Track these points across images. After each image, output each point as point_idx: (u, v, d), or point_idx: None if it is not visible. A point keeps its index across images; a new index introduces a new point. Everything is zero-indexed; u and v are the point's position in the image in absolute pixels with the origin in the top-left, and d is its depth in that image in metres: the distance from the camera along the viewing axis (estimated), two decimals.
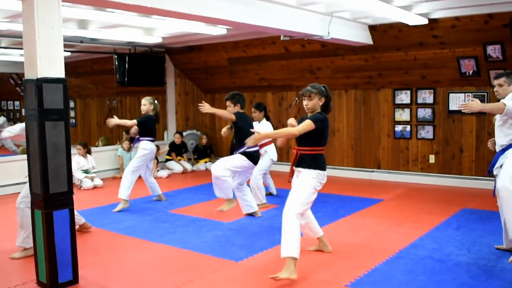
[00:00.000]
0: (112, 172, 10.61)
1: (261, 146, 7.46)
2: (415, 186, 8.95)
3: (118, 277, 4.67)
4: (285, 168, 9.55)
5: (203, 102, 6.30)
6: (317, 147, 4.66)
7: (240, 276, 4.66)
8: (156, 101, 7.75)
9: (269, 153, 7.60)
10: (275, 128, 7.54)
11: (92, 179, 9.40)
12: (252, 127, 6.03)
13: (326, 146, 4.80)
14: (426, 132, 9.13)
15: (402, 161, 9.48)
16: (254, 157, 6.42)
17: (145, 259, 5.21)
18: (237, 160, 6.34)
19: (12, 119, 14.89)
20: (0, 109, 14.01)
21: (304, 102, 4.73)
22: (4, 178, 8.78)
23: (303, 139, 4.64)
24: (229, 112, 6.39)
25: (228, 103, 6.49)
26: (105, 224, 6.60)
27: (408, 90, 9.26)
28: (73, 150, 8.40)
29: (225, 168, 6.26)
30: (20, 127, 5.11)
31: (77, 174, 9.18)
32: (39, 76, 4.19)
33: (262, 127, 7.33)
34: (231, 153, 6.58)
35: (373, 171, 9.79)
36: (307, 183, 4.62)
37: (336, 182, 9.37)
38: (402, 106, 9.35)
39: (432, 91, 8.99)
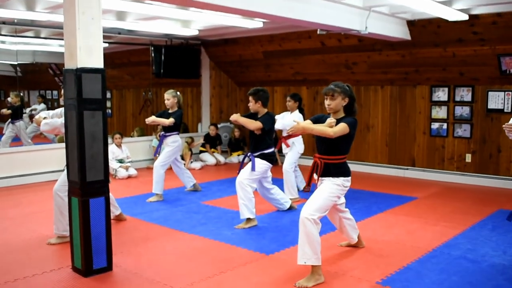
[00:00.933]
0: (147, 162, 10.73)
1: (288, 137, 7.38)
2: (450, 185, 8.81)
3: (151, 266, 4.73)
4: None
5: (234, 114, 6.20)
6: (343, 155, 4.50)
7: (271, 269, 4.67)
8: (178, 93, 7.75)
9: (297, 146, 7.48)
10: None
11: (126, 168, 9.54)
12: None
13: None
14: (463, 130, 8.96)
15: (438, 160, 9.34)
16: (272, 159, 6.22)
17: (177, 249, 5.27)
18: (257, 166, 6.06)
19: (51, 108, 15.11)
20: (42, 96, 14.22)
21: (326, 102, 4.46)
22: (41, 165, 8.98)
23: (330, 145, 4.42)
24: (252, 121, 6.03)
25: (250, 98, 6.18)
26: (139, 213, 6.70)
27: (445, 87, 9.10)
28: (109, 140, 8.52)
29: (249, 180, 6.01)
30: (61, 121, 5.15)
31: (112, 164, 9.32)
32: (79, 66, 4.26)
33: (293, 117, 7.21)
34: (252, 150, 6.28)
35: (407, 169, 9.67)
36: (330, 190, 4.41)
37: (369, 179, 9.31)
38: (439, 103, 9.20)
39: (470, 88, 8.82)
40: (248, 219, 6.02)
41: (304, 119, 7.28)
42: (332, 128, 4.30)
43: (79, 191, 4.38)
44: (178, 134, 7.66)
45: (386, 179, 9.36)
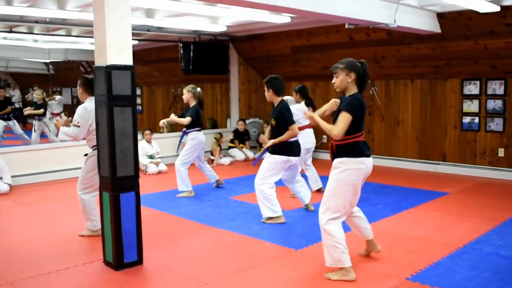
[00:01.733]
0: (176, 158, 10.79)
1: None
2: (482, 180, 8.67)
3: (180, 260, 4.78)
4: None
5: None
6: (352, 135, 4.14)
7: (299, 264, 4.68)
8: (195, 88, 7.65)
9: (305, 138, 6.98)
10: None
11: (157, 164, 9.64)
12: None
13: (367, 132, 4.44)
14: (496, 124, 8.80)
15: (469, 154, 9.20)
16: (289, 149, 5.89)
17: (206, 243, 5.31)
18: (271, 162, 5.95)
19: (75, 104, 15.38)
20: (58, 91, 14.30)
21: (332, 81, 4.34)
22: (72, 161, 9.14)
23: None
24: (288, 134, 5.82)
25: (265, 86, 6.05)
26: (168, 208, 6.77)
27: (477, 80, 8.95)
28: (139, 136, 8.63)
29: (262, 179, 5.96)
30: (76, 131, 5.20)
31: (142, 160, 9.43)
32: (108, 63, 4.33)
33: (294, 107, 6.82)
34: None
35: (438, 164, 9.55)
36: (337, 182, 4.18)
37: (399, 174, 9.23)
38: (471, 97, 9.05)
39: (503, 82, 8.65)
40: (270, 218, 6.00)
41: (314, 111, 7.03)
42: (336, 126, 4.13)
43: (110, 186, 4.46)
44: (199, 130, 7.57)
45: (416, 174, 9.26)
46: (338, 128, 4.09)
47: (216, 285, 4.19)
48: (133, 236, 4.59)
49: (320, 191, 7.34)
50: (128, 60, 4.47)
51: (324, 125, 4.20)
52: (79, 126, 5.17)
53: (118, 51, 4.38)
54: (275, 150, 5.90)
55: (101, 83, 4.41)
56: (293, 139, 5.95)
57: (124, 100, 4.44)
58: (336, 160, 4.23)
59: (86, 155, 5.41)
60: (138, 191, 4.61)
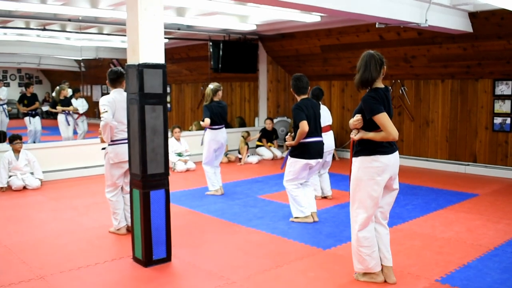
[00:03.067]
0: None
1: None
2: None
3: (208, 258, 4.82)
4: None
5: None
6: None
7: (328, 264, 4.67)
8: (209, 86, 7.47)
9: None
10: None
11: (185, 162, 9.71)
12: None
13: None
14: None
15: (500, 155, 9.05)
16: (303, 151, 5.79)
17: (234, 241, 5.34)
18: (290, 165, 5.95)
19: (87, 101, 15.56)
20: (78, 91, 14.47)
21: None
22: (97, 159, 9.25)
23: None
24: (298, 132, 5.75)
25: None
26: (197, 206, 6.82)
27: (509, 80, 8.79)
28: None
29: (287, 181, 6.03)
30: (106, 115, 5.20)
31: (171, 157, 9.51)
32: (141, 62, 4.38)
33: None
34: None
35: (468, 165, 9.42)
36: (357, 181, 4.04)
37: (429, 174, 9.13)
38: (503, 97, 8.90)
39: None
40: (297, 217, 6.01)
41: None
42: (384, 131, 3.91)
43: (140, 183, 4.51)
44: (214, 128, 7.38)
45: (446, 175, 9.15)
46: (388, 131, 3.90)
47: (244, 283, 4.21)
48: (162, 233, 4.64)
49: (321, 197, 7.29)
50: (160, 59, 4.52)
51: (375, 136, 3.96)
52: (107, 111, 5.22)
53: (150, 49, 4.44)
54: (293, 152, 5.90)
55: (133, 81, 4.47)
56: (310, 140, 5.81)
57: (155, 98, 4.49)
58: (353, 159, 4.13)
59: (103, 149, 5.51)
60: (168, 189, 4.66)
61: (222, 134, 7.48)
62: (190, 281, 4.30)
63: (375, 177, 3.97)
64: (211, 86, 7.46)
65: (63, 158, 8.89)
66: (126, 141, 4.92)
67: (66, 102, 11.61)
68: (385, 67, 4.05)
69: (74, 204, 6.95)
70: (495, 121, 9.04)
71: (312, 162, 5.87)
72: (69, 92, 12.04)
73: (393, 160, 4.05)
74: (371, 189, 3.98)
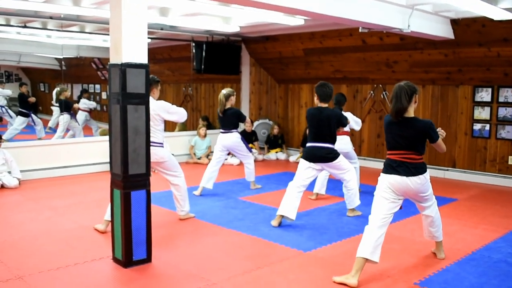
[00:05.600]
0: (186, 157, 10.86)
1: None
2: (492, 187, 8.64)
3: (189, 259, 4.80)
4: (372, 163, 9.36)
5: None
6: (388, 151, 4.57)
7: (308, 266, 4.69)
8: (224, 92, 7.80)
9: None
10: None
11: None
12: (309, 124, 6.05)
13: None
14: (507, 132, 8.76)
15: (479, 161, 9.17)
16: (307, 153, 6.08)
17: (215, 243, 5.33)
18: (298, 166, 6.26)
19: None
20: (86, 91, 14.71)
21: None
22: (85, 158, 9.22)
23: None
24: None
25: None
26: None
27: (489, 87, 8.91)
28: None
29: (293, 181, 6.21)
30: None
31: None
32: (123, 61, 4.35)
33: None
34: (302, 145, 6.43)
35: (447, 170, 9.52)
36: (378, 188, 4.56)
37: None
38: (482, 104, 9.02)
39: None
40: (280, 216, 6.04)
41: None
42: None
43: (121, 184, 4.48)
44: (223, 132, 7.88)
45: None
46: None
47: (224, 285, 4.21)
48: (142, 233, 4.61)
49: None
50: (143, 58, 4.49)
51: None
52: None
53: (133, 49, 4.41)
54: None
55: (115, 80, 4.43)
56: (308, 145, 6.09)
57: (138, 98, 4.46)
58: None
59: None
60: (149, 189, 4.64)
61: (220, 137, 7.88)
62: (170, 282, 4.28)
63: (383, 194, 4.51)
64: (224, 92, 7.71)
65: (42, 157, 8.78)
66: (156, 144, 5.54)
67: (66, 103, 11.78)
68: (416, 95, 4.42)
69: (52, 205, 6.87)
70: (474, 127, 9.15)
71: (311, 165, 6.03)
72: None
73: (394, 181, 4.51)
74: (378, 202, 4.52)
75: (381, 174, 4.51)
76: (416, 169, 4.39)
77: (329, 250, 5.13)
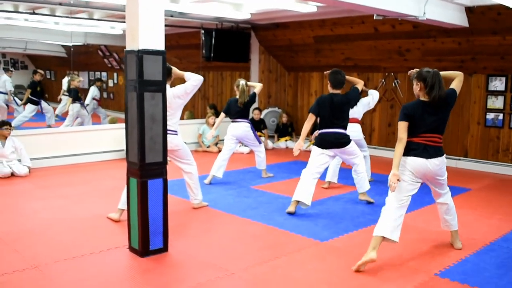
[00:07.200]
0: (195, 145, 10.80)
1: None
2: (505, 177, 8.56)
3: (205, 248, 4.76)
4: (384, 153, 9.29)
5: None
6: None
7: (326, 256, 4.65)
8: (239, 81, 7.80)
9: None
10: None
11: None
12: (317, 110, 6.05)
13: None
14: None
15: (492, 151, 9.08)
16: (319, 141, 6.09)
17: (230, 232, 5.30)
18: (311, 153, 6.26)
19: (99, 90, 15.46)
20: (99, 80, 14.69)
21: None
22: (94, 146, 9.18)
23: None
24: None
25: None
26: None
27: (503, 76, 8.80)
28: None
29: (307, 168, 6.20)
30: None
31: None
32: (140, 48, 4.28)
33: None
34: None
35: (459, 159, 9.45)
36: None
37: None
38: (496, 93, 8.92)
39: None
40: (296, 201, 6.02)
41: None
42: None
43: (138, 172, 4.43)
44: (233, 122, 7.85)
45: None
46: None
47: (242, 275, 4.17)
48: (159, 223, 4.56)
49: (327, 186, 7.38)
50: (160, 45, 4.43)
51: None
52: None
53: (150, 35, 4.34)
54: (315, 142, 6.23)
55: (132, 67, 4.37)
56: (323, 131, 6.07)
57: (155, 85, 4.40)
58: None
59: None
60: (166, 178, 4.59)
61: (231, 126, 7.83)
62: (188, 271, 4.24)
63: (402, 177, 4.50)
64: (243, 81, 7.73)
65: (52, 145, 8.73)
66: (172, 132, 5.44)
67: (75, 92, 11.78)
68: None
69: (64, 193, 6.83)
70: (487, 116, 9.06)
71: (324, 151, 6.03)
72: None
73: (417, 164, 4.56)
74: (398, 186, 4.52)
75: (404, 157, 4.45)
76: (440, 151, 4.53)
77: (345, 240, 5.08)
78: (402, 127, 4.39)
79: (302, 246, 4.88)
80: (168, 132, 5.26)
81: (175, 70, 5.76)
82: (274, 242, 4.99)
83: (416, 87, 4.47)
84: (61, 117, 12.79)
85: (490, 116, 9.02)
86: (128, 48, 4.44)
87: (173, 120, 5.56)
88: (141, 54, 4.28)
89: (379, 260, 4.36)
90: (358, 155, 6.29)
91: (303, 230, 5.35)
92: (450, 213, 4.86)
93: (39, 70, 12.81)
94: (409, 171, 4.43)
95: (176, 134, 5.67)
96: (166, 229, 4.62)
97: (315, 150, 6.09)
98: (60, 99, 13.40)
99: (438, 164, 4.47)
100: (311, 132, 8.57)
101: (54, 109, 13.03)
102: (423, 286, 4.02)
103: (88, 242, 4.87)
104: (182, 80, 5.73)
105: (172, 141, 5.52)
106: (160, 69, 4.41)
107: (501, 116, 8.88)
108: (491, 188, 7.66)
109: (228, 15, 9.53)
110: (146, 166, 4.42)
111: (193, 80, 5.65)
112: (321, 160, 6.04)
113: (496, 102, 8.92)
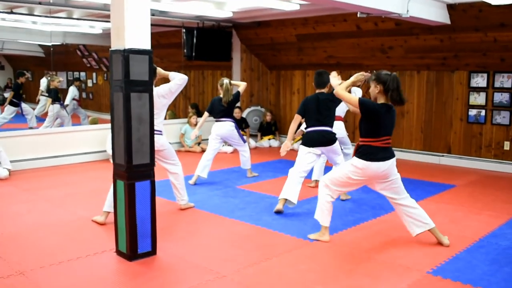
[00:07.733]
0: (177, 145, 10.70)
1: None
2: (488, 173, 8.62)
3: (195, 251, 4.68)
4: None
5: None
6: (364, 138, 4.71)
7: (317, 256, 4.60)
8: (226, 80, 7.74)
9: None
10: None
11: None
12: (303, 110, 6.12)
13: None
14: (502, 117, 8.74)
15: (475, 147, 9.15)
16: (305, 140, 6.10)
17: (219, 233, 5.22)
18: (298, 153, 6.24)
19: (78, 90, 15.24)
20: (78, 79, 14.49)
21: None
22: (78, 147, 9.04)
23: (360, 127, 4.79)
24: None
25: None
26: (175, 197, 6.64)
27: (485, 73, 8.87)
28: None
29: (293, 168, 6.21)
30: None
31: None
32: (126, 47, 4.19)
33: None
34: None
35: (443, 156, 9.50)
36: (345, 167, 4.87)
37: (404, 165, 9.13)
38: (478, 89, 8.98)
39: (511, 75, 8.58)
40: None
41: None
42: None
43: (125, 174, 4.33)
44: (217, 121, 7.77)
45: (421, 166, 9.21)
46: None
47: (234, 277, 4.10)
48: (147, 226, 4.47)
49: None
50: (146, 44, 4.34)
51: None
52: None
53: (136, 34, 4.25)
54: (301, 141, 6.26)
55: (117, 67, 4.26)
56: (309, 129, 6.07)
57: (141, 85, 4.30)
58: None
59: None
60: (154, 180, 4.50)
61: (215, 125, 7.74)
62: (178, 275, 4.16)
63: (353, 175, 4.87)
64: (227, 80, 7.67)
65: (32, 147, 8.56)
66: (157, 132, 5.28)
67: (55, 92, 11.62)
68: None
69: (48, 195, 6.69)
70: (470, 113, 9.12)
71: (311, 150, 6.03)
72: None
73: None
74: (345, 178, 4.90)
75: (357, 160, 4.65)
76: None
77: (335, 239, 5.04)
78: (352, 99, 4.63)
79: (292, 246, 4.83)
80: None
81: (159, 70, 5.65)
82: (264, 243, 4.93)
83: (375, 89, 4.56)
84: (40, 118, 12.57)
85: (473, 112, 9.08)
86: (113, 47, 4.33)
87: (158, 120, 5.47)
88: (127, 54, 4.18)
89: (372, 260, 4.33)
90: (340, 154, 6.32)
91: (292, 230, 5.30)
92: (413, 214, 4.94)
93: (25, 72, 12.55)
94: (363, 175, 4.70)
95: (161, 134, 5.58)
96: (155, 232, 4.53)
97: (302, 149, 6.06)
98: (39, 100, 13.19)
99: (392, 163, 4.72)
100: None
101: (32, 110, 12.79)
102: (416, 284, 3.99)
103: (74, 246, 4.76)
104: (165, 80, 5.62)
105: (158, 141, 5.43)
106: (147, 69, 4.32)
107: (483, 112, 8.95)
108: (476, 184, 7.70)
109: (209, 13, 9.45)
110: (133, 168, 4.32)
111: (178, 80, 5.56)
112: (308, 159, 6.02)
113: (478, 99, 8.98)
